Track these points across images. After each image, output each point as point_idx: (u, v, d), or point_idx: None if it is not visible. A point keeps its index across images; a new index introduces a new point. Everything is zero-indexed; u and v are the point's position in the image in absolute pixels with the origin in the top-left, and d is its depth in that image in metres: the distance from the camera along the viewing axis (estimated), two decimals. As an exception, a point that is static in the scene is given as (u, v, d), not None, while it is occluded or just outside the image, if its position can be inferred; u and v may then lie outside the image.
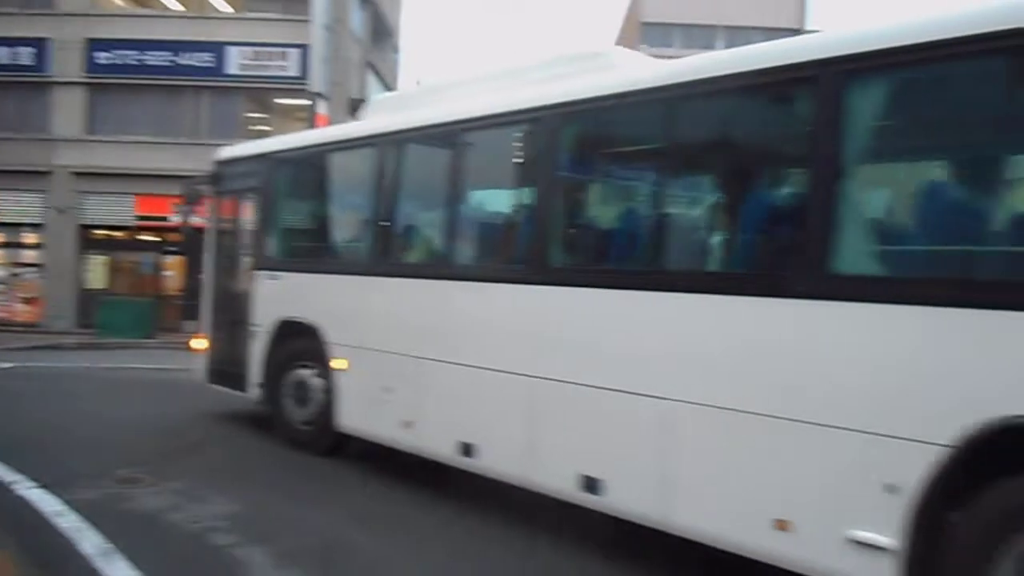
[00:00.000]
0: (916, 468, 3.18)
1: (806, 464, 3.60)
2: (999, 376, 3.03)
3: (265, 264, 7.32)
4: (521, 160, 5.48)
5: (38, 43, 23.28)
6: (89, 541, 4.38)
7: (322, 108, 20.24)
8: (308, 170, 7.42)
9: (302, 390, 6.78)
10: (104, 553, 4.21)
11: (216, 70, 22.80)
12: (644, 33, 43.88)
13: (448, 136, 5.80)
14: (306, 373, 6.74)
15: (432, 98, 6.33)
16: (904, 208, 4.08)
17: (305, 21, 22.28)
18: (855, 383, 3.44)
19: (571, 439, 4.64)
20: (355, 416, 6.30)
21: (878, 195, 4.17)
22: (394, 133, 6.16)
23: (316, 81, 21.94)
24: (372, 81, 26.29)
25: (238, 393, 7.53)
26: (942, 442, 3.12)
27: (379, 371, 6.04)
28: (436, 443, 5.53)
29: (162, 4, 24.43)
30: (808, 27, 41.85)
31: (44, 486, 5.38)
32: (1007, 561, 3.01)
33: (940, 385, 3.20)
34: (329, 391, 6.50)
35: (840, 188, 3.58)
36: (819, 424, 3.52)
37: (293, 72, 22.49)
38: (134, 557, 4.17)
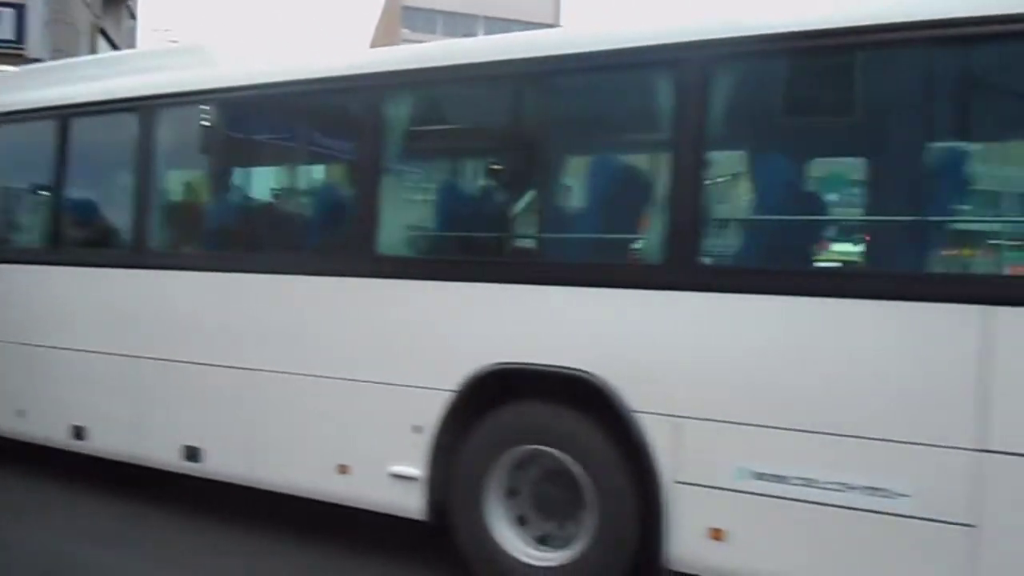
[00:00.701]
0: (433, 410, 3.99)
1: (356, 416, 4.30)
2: (486, 333, 3.94)
3: None
4: (118, 149, 5.50)
5: None
6: None
7: (44, 76, 18.08)
8: None
9: None
10: None
11: (-93, 27, 19.55)
12: (406, 17, 43.98)
13: (47, 121, 5.69)
14: None
15: (43, 79, 6.25)
16: (431, 205, 4.93)
17: (21, -23, 19.80)
18: (386, 344, 4.22)
19: (172, 413, 4.99)
20: None
21: (414, 195, 5.12)
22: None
23: (35, 46, 19.73)
24: (104, 47, 23.87)
25: None
26: (451, 387, 3.95)
27: None
28: (49, 429, 5.53)
29: None
30: (561, 22, 44.39)
31: None
32: (498, 471, 3.95)
33: (445, 341, 4.05)
34: None
35: (377, 184, 4.35)
36: (361, 380, 4.25)
37: (7, 35, 19.91)
38: None
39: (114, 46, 25.40)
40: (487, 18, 44.16)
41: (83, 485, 5.55)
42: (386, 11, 50.06)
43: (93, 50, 22.50)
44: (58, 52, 20.28)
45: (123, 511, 5.12)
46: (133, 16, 30.48)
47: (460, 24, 43.99)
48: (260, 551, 4.53)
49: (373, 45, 51.39)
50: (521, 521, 3.98)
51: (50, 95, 5.75)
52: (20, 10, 19.78)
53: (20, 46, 19.69)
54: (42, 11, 20.07)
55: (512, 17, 43.14)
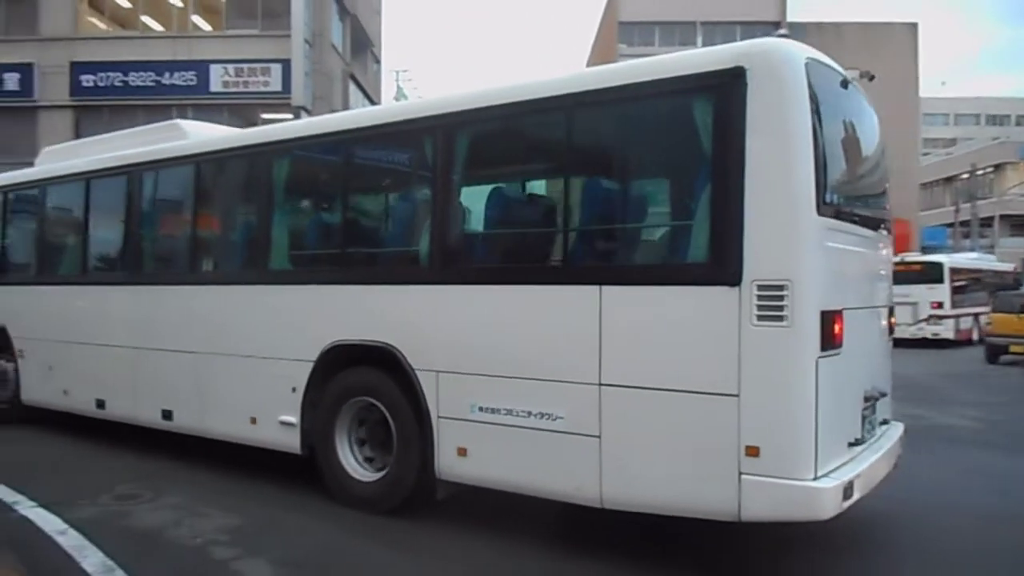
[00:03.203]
0: (303, 375, 5.75)
1: (260, 382, 6.13)
2: (329, 320, 5.68)
3: None
4: (123, 204, 7.53)
5: (23, 68, 23.38)
6: (91, 559, 4.47)
7: (307, 122, 20.26)
8: None
9: (1, 378, 8.78)
10: (106, 570, 4.31)
11: (200, 88, 22.93)
12: (622, 32, 43.93)
13: (73, 184, 8.05)
14: (2, 364, 8.77)
15: (72, 154, 8.68)
16: (299, 233, 6.49)
17: (286, 36, 22.40)
18: (282, 332, 6.02)
19: (156, 386, 7.01)
20: (33, 390, 8.46)
21: (295, 226, 6.52)
22: (40, 181, 8.57)
23: (298, 95, 22.05)
24: (354, 92, 26.38)
25: None
26: (312, 358, 5.70)
27: (44, 355, 8.28)
28: (82, 403, 7.76)
29: (144, 25, 24.50)
30: (789, 19, 42.09)
31: (44, 505, 5.48)
32: (344, 413, 5.64)
33: (306, 326, 5.83)
34: (17, 374, 8.59)
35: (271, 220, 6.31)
36: (257, 357, 6.14)
37: (276, 87, 22.61)
38: (135, 573, 4.28)
39: (363, 90, 27.99)
40: (705, 23, 43.04)
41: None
42: (602, 28, 50.58)
43: (345, 95, 24.99)
44: (319, 100, 22.79)
45: (429, 522, 5.42)
46: (377, 61, 33.40)
47: (678, 33, 43.29)
48: (515, 553, 4.72)
49: (590, 63, 51.95)
50: (358, 449, 5.67)
51: (76, 164, 8.14)
52: (286, 65, 22.46)
53: (286, 96, 22.33)
54: (304, 64, 22.45)
55: (734, 19, 41.64)
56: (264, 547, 4.76)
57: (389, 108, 6.25)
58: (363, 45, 29.95)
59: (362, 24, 28.68)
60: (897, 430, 5.13)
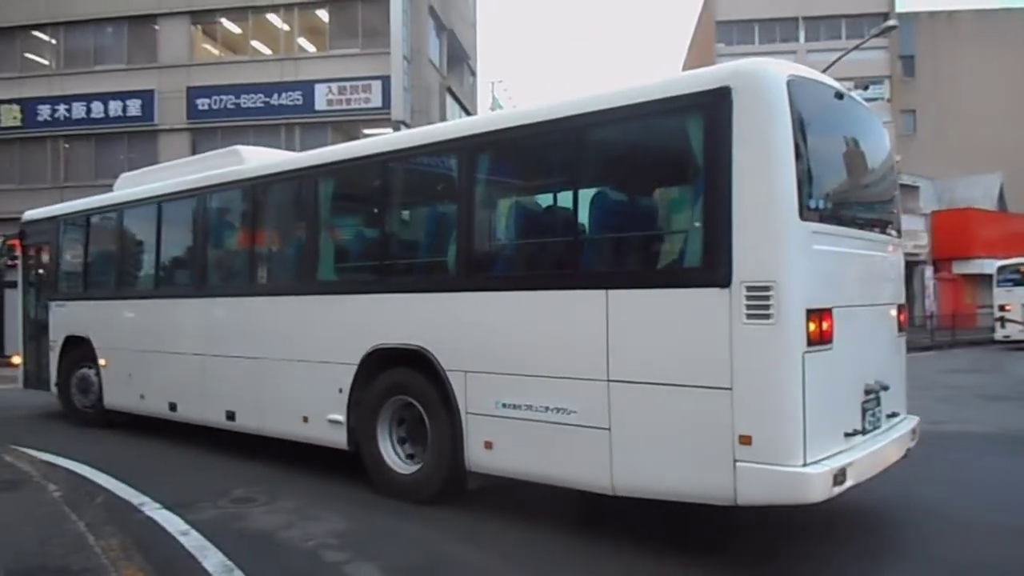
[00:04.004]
0: (348, 377, 6.28)
1: (311, 384, 6.68)
2: (370, 327, 6.20)
3: (55, 296, 10.36)
4: (189, 224, 8.29)
5: (144, 95, 24.96)
6: (211, 559, 4.66)
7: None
8: (78, 228, 10.19)
9: (84, 383, 9.70)
10: (225, 570, 4.49)
11: (306, 107, 23.87)
12: (720, 32, 42.95)
13: (146, 207, 8.82)
14: (87, 371, 9.64)
15: (145, 179, 9.46)
16: (344, 249, 7.15)
17: (386, 54, 23.04)
18: (329, 338, 6.56)
19: (220, 390, 7.65)
20: (113, 396, 9.28)
21: (339, 241, 7.20)
22: (117, 205, 9.42)
23: (398, 110, 22.61)
24: (451, 104, 26.85)
25: (44, 392, 10.52)
26: (355, 361, 6.23)
27: (123, 363, 9.07)
28: (157, 406, 8.53)
29: (254, 49, 25.71)
30: (898, 9, 40.19)
31: (168, 507, 5.78)
32: (385, 411, 6.16)
33: (351, 333, 6.34)
34: (100, 381, 9.41)
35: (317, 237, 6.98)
36: (308, 361, 6.72)
37: (376, 103, 23.28)
38: (253, 574, 4.44)
39: (459, 102, 28.46)
40: (807, 19, 41.57)
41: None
42: (699, 28, 49.65)
43: (442, 107, 25.46)
44: (417, 113, 23.31)
45: (480, 513, 5.61)
46: (473, 73, 33.89)
47: (779, 30, 42.02)
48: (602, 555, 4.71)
49: (687, 64, 51.04)
50: (398, 444, 6.17)
51: (144, 190, 8.98)
52: (386, 81, 23.10)
53: (386, 111, 22.95)
54: (403, 80, 23.03)
55: (838, 12, 40.07)
56: (373, 552, 4.84)
57: (418, 132, 6.62)
58: (459, 58, 30.48)
59: (458, 38, 29.19)
60: (908, 423, 5.33)
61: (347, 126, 23.58)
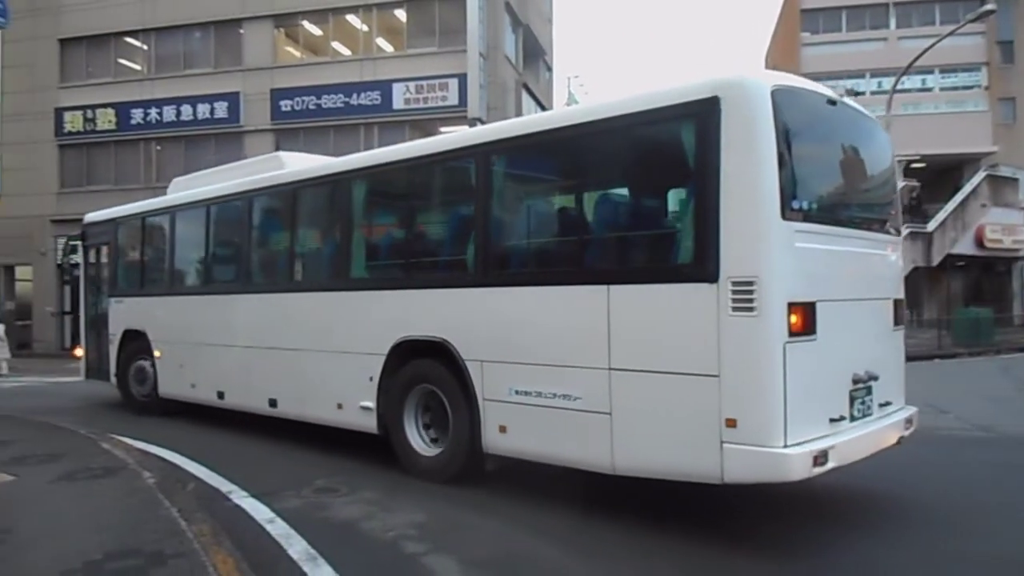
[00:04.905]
0: (378, 366, 6.78)
1: (344, 373, 7.19)
2: (397, 320, 6.66)
3: (114, 292, 11.07)
4: (234, 225, 9.07)
5: (230, 97, 25.84)
6: (296, 547, 4.79)
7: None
8: (134, 229, 10.89)
9: (141, 374, 10.43)
10: (309, 558, 4.60)
11: (384, 106, 24.25)
12: (806, 20, 41.54)
13: (195, 209, 9.48)
14: (143, 363, 10.35)
15: (195, 183, 10.03)
16: (374, 249, 7.50)
17: (462, 52, 23.20)
18: (361, 331, 7.08)
19: (263, 379, 8.23)
20: (167, 385, 9.96)
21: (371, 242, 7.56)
22: (169, 207, 10.06)
23: (474, 107, 22.76)
24: (527, 100, 26.86)
25: (104, 382, 11.31)
26: (384, 352, 6.72)
27: (176, 354, 9.77)
28: (206, 394, 9.20)
29: (334, 50, 26.29)
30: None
31: (255, 495, 5.97)
32: (411, 399, 6.67)
33: (381, 325, 6.79)
34: (155, 371, 10.08)
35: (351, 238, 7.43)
36: (342, 351, 7.23)
37: (453, 101, 23.46)
38: (336, 563, 4.52)
39: (535, 98, 28.45)
40: (898, 4, 39.79)
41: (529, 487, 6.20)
42: (783, 17, 48.17)
43: (518, 104, 25.49)
44: (493, 110, 23.40)
45: (566, 510, 5.56)
46: (549, 69, 33.79)
47: (868, 18, 40.36)
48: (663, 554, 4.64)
49: (769, 53, 49.64)
50: (424, 429, 6.68)
51: (192, 194, 9.61)
52: (462, 79, 23.26)
53: (463, 109, 23.10)
54: (479, 77, 23.16)
55: (930, -2, 38.23)
56: (451, 544, 4.89)
57: (436, 140, 7.07)
58: (535, 54, 30.44)
59: (534, 34, 29.15)
60: (903, 412, 5.61)
61: (425, 124, 23.84)
